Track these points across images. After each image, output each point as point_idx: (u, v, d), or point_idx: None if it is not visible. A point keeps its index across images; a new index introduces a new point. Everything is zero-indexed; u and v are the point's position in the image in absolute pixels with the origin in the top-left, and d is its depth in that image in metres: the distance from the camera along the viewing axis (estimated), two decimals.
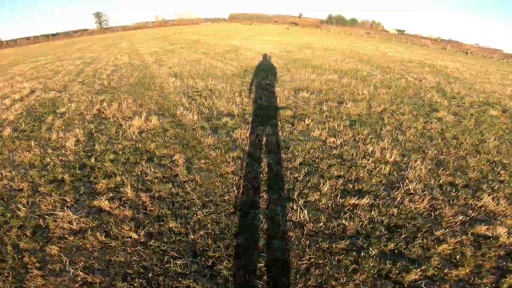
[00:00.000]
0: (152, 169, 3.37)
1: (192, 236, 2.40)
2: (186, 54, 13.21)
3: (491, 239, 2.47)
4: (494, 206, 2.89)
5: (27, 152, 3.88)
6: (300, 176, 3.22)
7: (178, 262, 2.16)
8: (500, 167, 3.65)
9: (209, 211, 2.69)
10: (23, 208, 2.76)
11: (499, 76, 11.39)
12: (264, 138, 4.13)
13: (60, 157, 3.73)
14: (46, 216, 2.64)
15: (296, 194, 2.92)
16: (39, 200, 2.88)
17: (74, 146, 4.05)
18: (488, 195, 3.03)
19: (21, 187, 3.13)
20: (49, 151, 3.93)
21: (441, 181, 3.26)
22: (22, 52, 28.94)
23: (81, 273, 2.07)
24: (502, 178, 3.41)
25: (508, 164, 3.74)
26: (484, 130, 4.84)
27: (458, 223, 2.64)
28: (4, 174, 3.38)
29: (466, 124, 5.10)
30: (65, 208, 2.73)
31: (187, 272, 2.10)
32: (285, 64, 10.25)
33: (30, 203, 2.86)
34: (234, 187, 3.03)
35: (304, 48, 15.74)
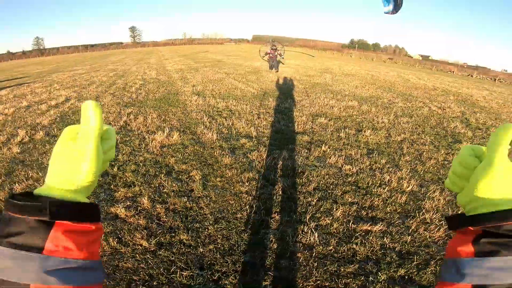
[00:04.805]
0: (170, 183, 3.50)
1: (201, 250, 2.44)
2: (210, 73, 13.76)
3: None
4: None
5: None
6: (313, 201, 3.22)
7: (184, 273, 2.19)
8: None
9: (220, 227, 2.74)
10: None
11: None
12: (280, 162, 4.18)
13: None
14: None
15: (308, 217, 2.91)
16: None
17: None
18: None
19: None
20: None
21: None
22: (62, 59, 31.26)
23: None
24: None
25: None
26: None
27: None
28: (30, 175, 3.61)
29: None
30: None
31: (192, 283, 2.13)
32: (305, 88, 10.41)
33: None
34: (247, 206, 3.07)
35: (325, 72, 15.95)
